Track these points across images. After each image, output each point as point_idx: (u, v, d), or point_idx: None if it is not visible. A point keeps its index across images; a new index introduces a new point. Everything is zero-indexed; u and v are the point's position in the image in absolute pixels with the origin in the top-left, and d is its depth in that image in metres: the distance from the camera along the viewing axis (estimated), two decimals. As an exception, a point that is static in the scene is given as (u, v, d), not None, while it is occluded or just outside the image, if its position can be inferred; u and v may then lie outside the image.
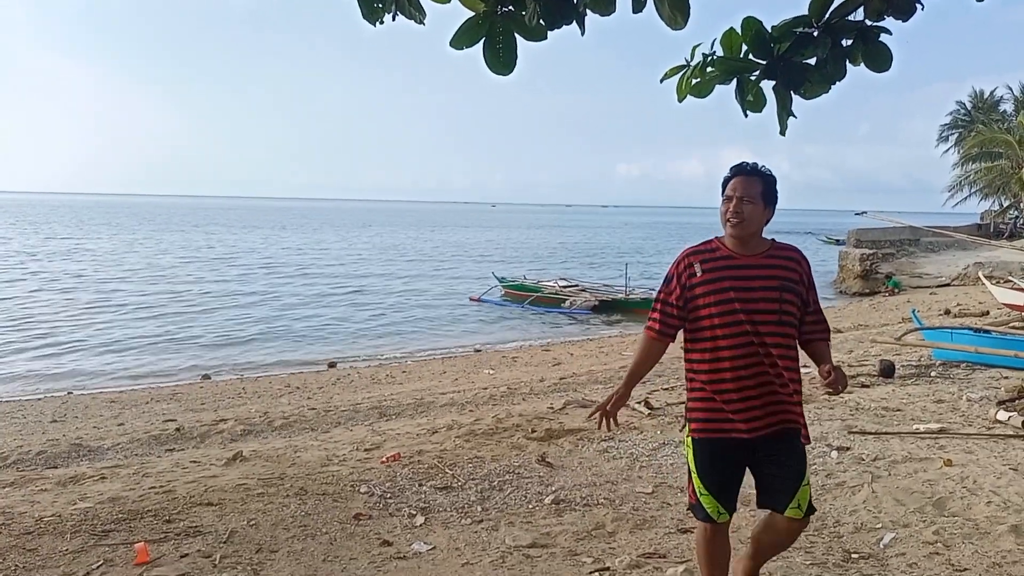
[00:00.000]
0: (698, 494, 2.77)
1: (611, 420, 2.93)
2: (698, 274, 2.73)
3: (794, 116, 2.72)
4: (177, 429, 7.27)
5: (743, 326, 2.64)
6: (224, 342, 15.78)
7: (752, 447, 2.69)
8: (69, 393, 10.85)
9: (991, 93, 48.89)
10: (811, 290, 2.78)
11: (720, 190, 2.78)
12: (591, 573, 3.51)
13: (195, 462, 5.57)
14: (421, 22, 2.83)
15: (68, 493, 4.82)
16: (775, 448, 2.70)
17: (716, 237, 2.83)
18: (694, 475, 2.78)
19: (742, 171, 2.74)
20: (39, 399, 10.32)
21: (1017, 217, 44.26)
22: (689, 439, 2.80)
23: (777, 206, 2.79)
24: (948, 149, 48.79)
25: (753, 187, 2.70)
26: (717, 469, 2.74)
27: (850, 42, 2.70)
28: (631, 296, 21.04)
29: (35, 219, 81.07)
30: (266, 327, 17.70)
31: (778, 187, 2.77)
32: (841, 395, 5.67)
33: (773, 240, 2.81)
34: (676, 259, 2.84)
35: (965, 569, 3.52)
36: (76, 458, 6.34)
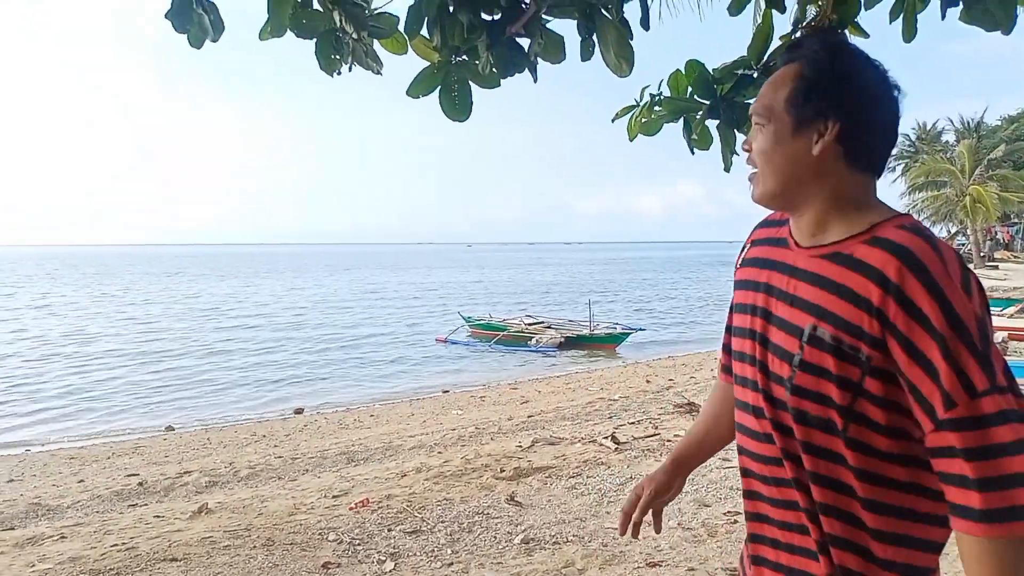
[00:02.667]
0: None
1: (636, 527, 1.57)
2: (738, 264, 1.44)
3: (737, 153, 2.84)
4: (140, 483, 7.13)
5: (758, 393, 1.28)
6: (190, 392, 15.49)
7: None
8: (27, 451, 10.55)
9: (933, 125, 50.86)
10: (929, 364, 1.09)
11: None
12: (562, 610, 3.51)
13: (159, 517, 5.46)
14: (378, 72, 2.92)
15: (26, 555, 4.70)
16: None
17: None
18: None
19: (782, 59, 1.31)
20: (-6, 458, 10.03)
21: (964, 243, 45.69)
22: None
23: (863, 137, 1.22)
24: (895, 179, 50.43)
25: (776, 89, 1.26)
26: None
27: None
28: (596, 332, 21.19)
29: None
30: (233, 375, 17.44)
31: (848, 78, 1.21)
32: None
33: (877, 223, 1.19)
34: None
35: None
36: (35, 518, 6.17)
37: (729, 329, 1.44)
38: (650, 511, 1.59)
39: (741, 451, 1.37)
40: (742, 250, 1.45)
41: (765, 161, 1.26)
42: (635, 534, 1.56)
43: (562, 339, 20.71)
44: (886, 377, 1.14)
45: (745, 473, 1.36)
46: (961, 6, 2.34)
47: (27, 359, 19.75)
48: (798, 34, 2.71)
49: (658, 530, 1.61)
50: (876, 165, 1.25)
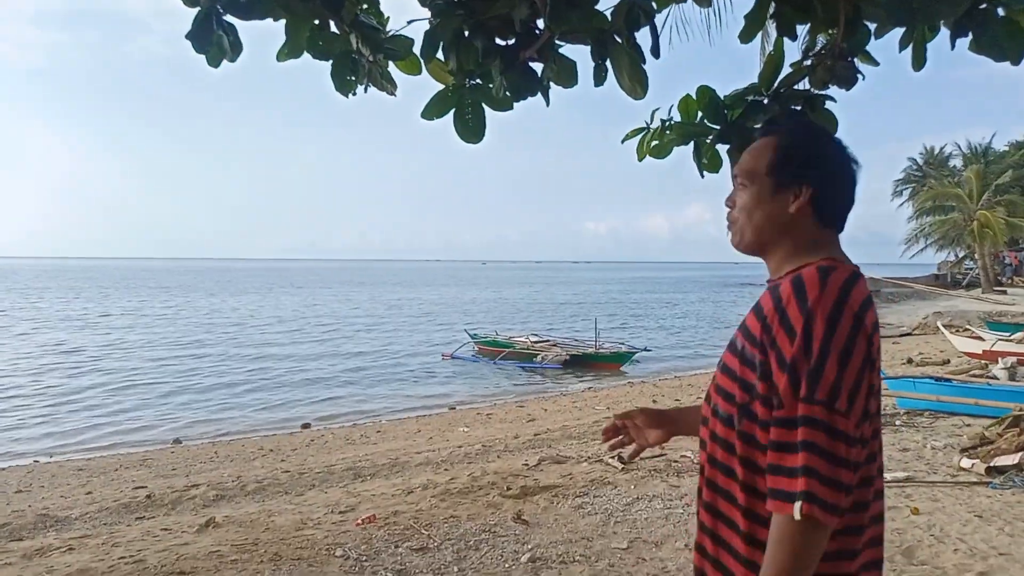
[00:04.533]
0: None
1: (609, 431, 1.91)
2: None
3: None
4: (148, 496, 7.14)
5: (706, 413, 1.55)
6: (198, 405, 15.55)
7: None
8: (35, 461, 10.59)
9: (941, 150, 50.95)
10: (784, 370, 1.32)
11: None
12: (568, 630, 3.51)
13: (166, 530, 5.48)
14: (392, 93, 2.97)
15: (34, 566, 4.72)
16: None
17: None
18: None
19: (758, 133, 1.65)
20: (3, 468, 10.07)
21: (973, 268, 45.62)
22: None
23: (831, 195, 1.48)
24: (903, 203, 50.41)
25: (757, 157, 1.52)
26: None
27: (798, 109, 2.88)
28: (601, 350, 21.17)
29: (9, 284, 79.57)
30: (239, 389, 17.49)
31: (820, 152, 1.49)
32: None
33: (806, 265, 1.40)
34: None
35: (934, 614, 3.59)
36: (43, 529, 6.19)
37: None
38: (632, 447, 1.90)
39: (703, 465, 1.58)
40: None
41: (747, 216, 1.51)
42: (606, 438, 1.84)
43: (567, 357, 20.69)
44: (766, 378, 1.35)
45: (704, 481, 1.55)
46: (971, 36, 2.37)
47: (39, 370, 19.86)
48: (808, 62, 2.76)
49: (630, 459, 1.78)
50: (838, 222, 1.51)
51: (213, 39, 2.56)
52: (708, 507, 1.49)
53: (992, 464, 6.02)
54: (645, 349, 22.04)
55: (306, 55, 2.70)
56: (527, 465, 7.04)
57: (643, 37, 2.52)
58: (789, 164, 1.48)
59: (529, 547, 4.74)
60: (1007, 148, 46.03)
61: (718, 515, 1.46)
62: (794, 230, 1.48)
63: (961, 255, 47.63)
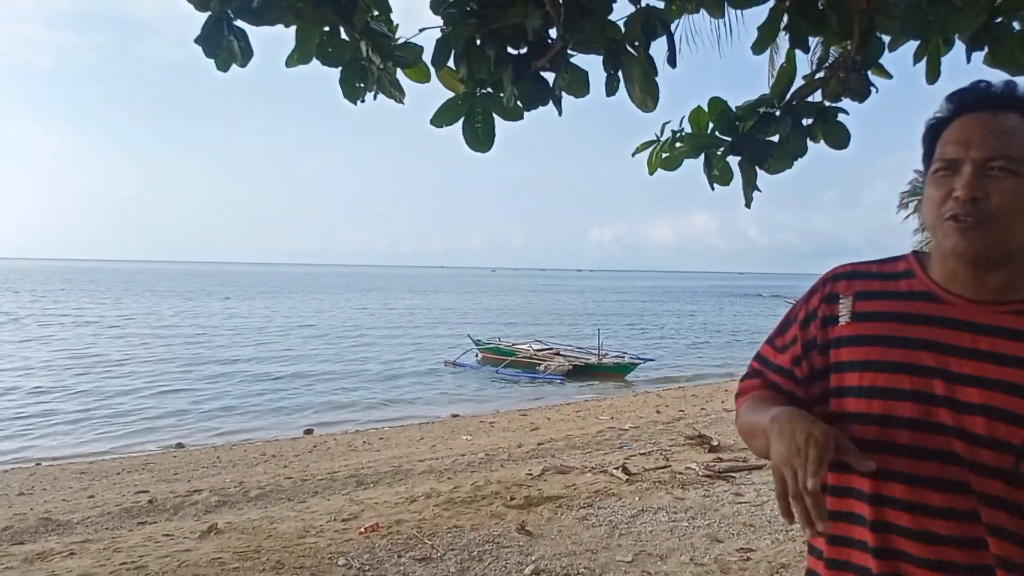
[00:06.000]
0: None
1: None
2: (842, 319, 1.28)
3: (758, 190, 2.85)
4: (150, 501, 7.12)
5: (957, 466, 1.15)
6: (201, 409, 15.54)
7: None
8: (37, 464, 10.59)
9: (949, 161, 50.73)
10: None
11: (922, 150, 1.26)
12: (573, 644, 3.47)
13: (168, 535, 5.46)
14: (400, 101, 2.96)
15: (35, 571, 4.70)
16: None
17: (913, 252, 1.33)
18: None
19: (984, 100, 1.18)
20: (5, 471, 10.06)
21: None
22: None
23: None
24: (908, 215, 50.17)
25: (1016, 136, 1.14)
26: None
27: (810, 121, 2.86)
28: (604, 361, 21.13)
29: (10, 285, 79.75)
30: (243, 394, 17.48)
31: None
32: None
33: None
34: (814, 283, 1.37)
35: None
36: (44, 533, 6.18)
37: (849, 391, 1.25)
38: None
39: (890, 528, 1.19)
40: (829, 300, 1.31)
41: (1015, 215, 1.13)
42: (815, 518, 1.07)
43: (570, 367, 20.65)
44: None
45: (888, 553, 1.19)
46: (987, 50, 2.35)
47: (55, 374, 19.88)
48: (821, 74, 2.74)
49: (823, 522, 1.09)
50: None
51: (223, 44, 2.54)
52: None
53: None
54: (648, 359, 22.00)
55: (315, 61, 2.69)
56: (531, 475, 7.01)
57: (656, 48, 2.50)
58: None
59: (533, 559, 4.71)
60: (1014, 160, 45.99)
61: None
62: None
63: (966, 268, 47.54)
